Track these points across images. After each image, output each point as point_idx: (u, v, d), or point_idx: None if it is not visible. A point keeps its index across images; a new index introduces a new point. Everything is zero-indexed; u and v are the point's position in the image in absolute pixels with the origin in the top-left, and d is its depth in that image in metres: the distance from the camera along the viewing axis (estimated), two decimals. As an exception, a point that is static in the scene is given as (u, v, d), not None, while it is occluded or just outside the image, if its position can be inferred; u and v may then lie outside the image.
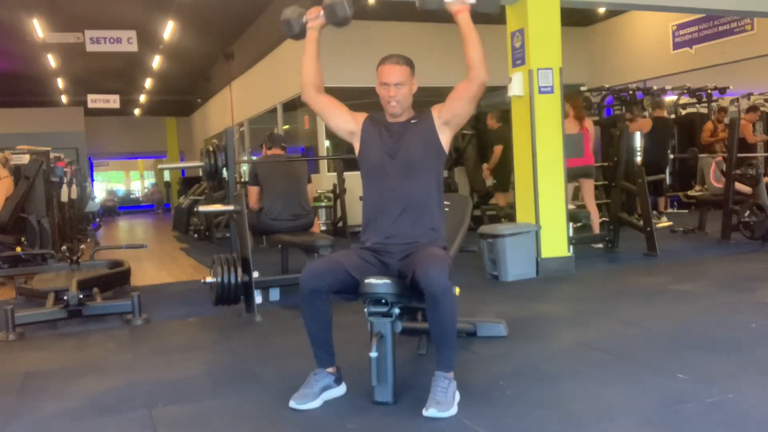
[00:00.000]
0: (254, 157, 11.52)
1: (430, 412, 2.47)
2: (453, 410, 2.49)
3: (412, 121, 2.87)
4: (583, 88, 10.85)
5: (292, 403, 2.64)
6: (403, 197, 2.78)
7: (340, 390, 2.78)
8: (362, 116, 2.95)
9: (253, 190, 5.36)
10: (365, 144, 2.89)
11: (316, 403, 2.66)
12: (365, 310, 2.64)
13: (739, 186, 6.79)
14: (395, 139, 2.84)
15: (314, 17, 2.89)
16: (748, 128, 9.83)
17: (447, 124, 2.84)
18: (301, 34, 2.92)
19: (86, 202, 12.92)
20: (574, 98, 6.77)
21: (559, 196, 5.66)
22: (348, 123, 2.93)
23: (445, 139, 2.86)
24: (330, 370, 2.76)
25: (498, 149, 8.29)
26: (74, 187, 10.16)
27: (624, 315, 4.05)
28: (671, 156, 8.97)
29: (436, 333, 2.57)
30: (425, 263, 2.51)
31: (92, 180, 21.03)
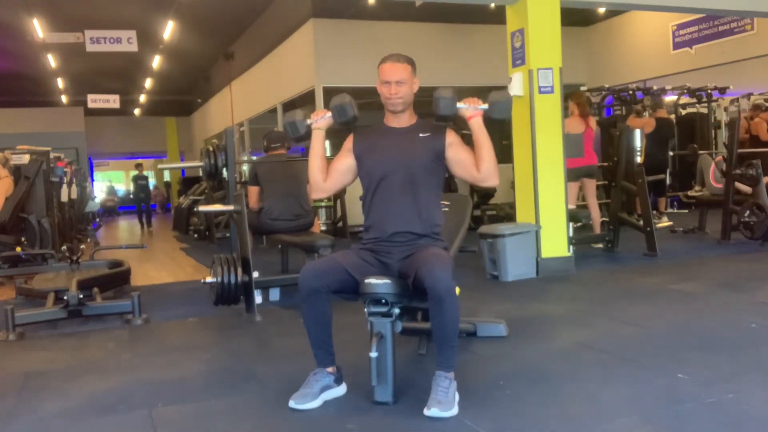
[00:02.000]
0: (254, 157, 11.52)
1: (432, 411, 2.47)
2: (454, 410, 2.49)
3: (422, 134, 2.87)
4: (583, 88, 10.84)
5: (292, 403, 2.64)
6: (406, 204, 2.79)
7: (340, 390, 2.78)
8: (349, 142, 2.95)
9: (253, 190, 5.36)
10: (363, 161, 2.89)
11: (315, 403, 2.66)
12: (365, 310, 2.64)
13: (739, 186, 6.79)
14: (400, 145, 2.84)
15: (320, 118, 2.91)
16: (762, 126, 9.85)
17: (447, 159, 2.88)
18: (306, 136, 2.96)
19: (86, 202, 12.92)
20: (577, 96, 6.78)
21: (559, 196, 5.66)
22: (348, 166, 2.93)
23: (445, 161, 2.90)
24: (330, 369, 2.76)
25: None
26: (74, 187, 10.16)
27: (624, 315, 4.04)
28: (671, 153, 8.96)
29: (438, 333, 2.57)
30: (429, 263, 2.51)
31: (92, 180, 21.03)
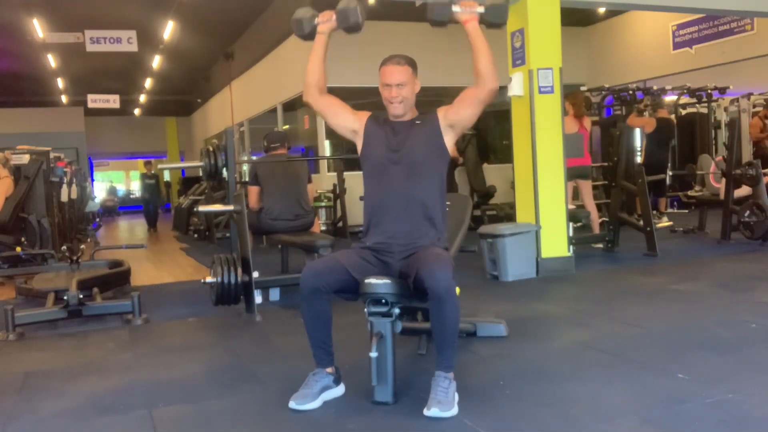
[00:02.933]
0: (254, 157, 11.52)
1: (432, 411, 2.47)
2: (454, 410, 2.49)
3: (417, 122, 2.87)
4: (583, 88, 10.85)
5: (292, 404, 2.64)
6: (405, 197, 2.79)
7: (339, 390, 2.78)
8: (365, 115, 2.95)
9: (253, 190, 5.36)
10: (368, 142, 2.89)
11: (315, 404, 2.66)
12: (365, 310, 2.64)
13: (738, 192, 6.78)
14: (399, 138, 2.84)
15: (326, 20, 2.89)
16: None
17: (452, 126, 2.85)
18: (310, 36, 2.92)
19: (86, 202, 12.92)
20: (573, 96, 6.77)
21: (559, 196, 5.66)
22: (350, 122, 2.94)
23: (449, 141, 2.87)
24: (329, 370, 2.75)
25: None
26: (74, 187, 10.16)
27: (624, 315, 4.05)
28: (669, 173, 8.96)
29: (438, 333, 2.57)
30: (430, 263, 2.51)
31: (92, 180, 21.03)
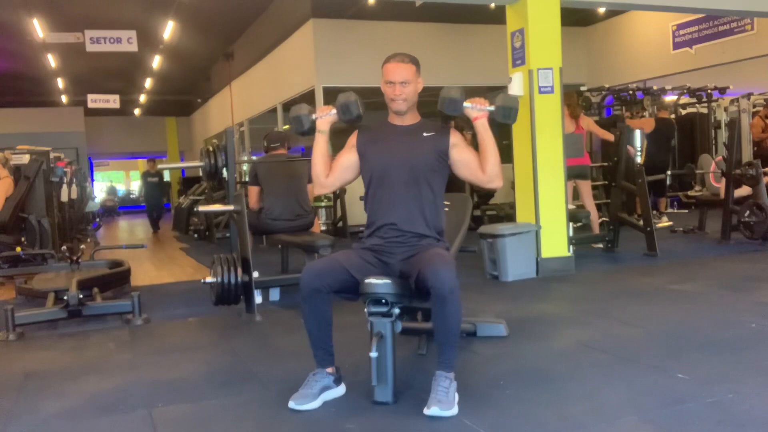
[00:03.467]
0: (254, 157, 11.52)
1: (432, 411, 2.47)
2: (455, 410, 2.49)
3: (425, 133, 2.87)
4: (583, 88, 10.85)
5: (292, 404, 2.64)
6: (408, 202, 2.80)
7: (340, 390, 2.78)
8: (353, 138, 2.96)
9: (253, 190, 5.36)
10: (366, 158, 2.89)
11: (315, 404, 2.66)
12: (365, 310, 2.64)
13: (738, 192, 6.78)
14: (403, 143, 2.85)
15: (325, 114, 2.91)
16: None
17: (450, 160, 2.88)
18: (310, 131, 2.96)
19: (86, 202, 12.92)
20: (568, 96, 6.76)
21: (559, 196, 5.66)
22: (352, 162, 2.93)
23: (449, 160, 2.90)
24: (329, 370, 2.75)
25: None
26: (74, 187, 10.16)
27: (624, 315, 4.05)
28: (669, 172, 8.97)
29: (440, 332, 2.57)
30: (434, 263, 2.51)
31: (92, 180, 21.02)
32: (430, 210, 2.82)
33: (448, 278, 2.47)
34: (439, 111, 2.85)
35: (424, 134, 2.87)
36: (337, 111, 2.90)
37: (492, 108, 2.82)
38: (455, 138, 2.87)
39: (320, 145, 2.92)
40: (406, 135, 2.87)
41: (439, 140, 2.85)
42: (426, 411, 2.48)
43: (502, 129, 8.21)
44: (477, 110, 2.81)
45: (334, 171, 2.93)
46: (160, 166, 10.88)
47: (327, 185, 2.96)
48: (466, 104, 2.82)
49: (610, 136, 7.10)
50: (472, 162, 2.84)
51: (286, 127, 12.14)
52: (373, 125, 2.98)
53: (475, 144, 2.88)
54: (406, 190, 2.80)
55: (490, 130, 2.83)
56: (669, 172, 8.75)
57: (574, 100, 6.83)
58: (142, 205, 14.70)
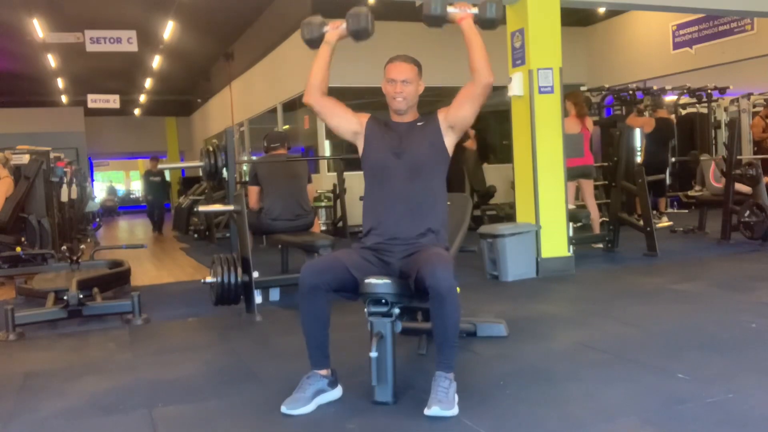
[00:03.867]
0: (254, 157, 11.51)
1: (432, 411, 2.47)
2: (455, 410, 2.49)
3: (418, 123, 2.88)
4: (583, 88, 10.84)
5: (284, 408, 2.60)
6: (407, 198, 2.79)
7: (335, 394, 2.74)
8: (365, 116, 2.96)
9: (253, 190, 5.36)
10: (369, 143, 2.89)
11: (308, 408, 2.61)
12: (365, 310, 2.64)
13: (740, 187, 6.79)
14: (401, 139, 2.85)
15: (336, 27, 2.91)
16: None
17: (452, 127, 2.87)
18: (317, 40, 2.94)
19: (86, 202, 12.90)
20: (575, 96, 6.76)
21: (559, 196, 5.66)
22: (351, 123, 2.93)
23: (450, 142, 2.89)
24: (323, 372, 2.71)
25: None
26: (74, 187, 10.16)
27: (624, 315, 4.04)
28: (672, 159, 8.96)
29: (439, 332, 2.57)
30: (431, 263, 2.51)
31: (92, 180, 21.02)
32: (430, 205, 2.81)
33: (445, 279, 2.46)
34: (423, 18, 2.83)
35: (418, 124, 2.88)
36: (346, 23, 2.88)
37: (476, 10, 2.82)
38: (441, 112, 2.88)
39: (324, 54, 2.91)
40: (404, 130, 2.88)
41: (430, 124, 2.86)
42: (426, 411, 2.48)
43: (502, 129, 8.24)
44: (461, 12, 2.81)
45: (333, 104, 2.92)
46: (160, 166, 10.81)
47: (316, 98, 2.91)
48: (450, 8, 2.81)
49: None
50: (461, 92, 2.83)
51: (286, 127, 12.15)
52: (381, 119, 2.97)
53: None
54: (405, 184, 2.80)
55: (476, 29, 2.81)
56: (674, 160, 8.71)
57: (581, 99, 6.83)
58: (142, 204, 14.47)
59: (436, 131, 2.85)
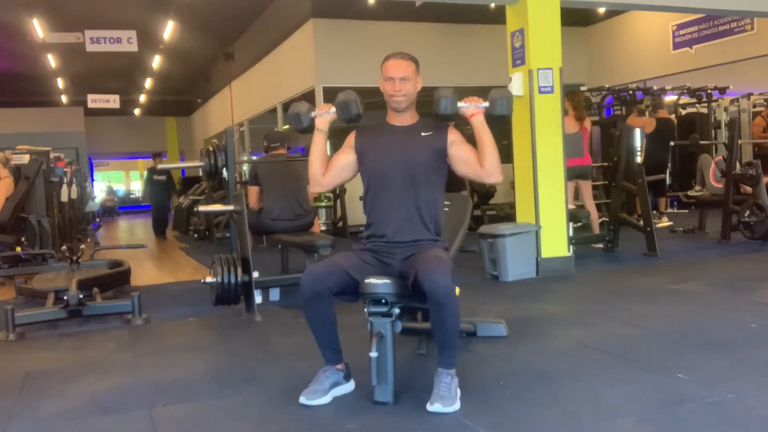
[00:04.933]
0: (254, 157, 11.51)
1: (435, 407, 2.48)
2: (457, 405, 2.51)
3: (423, 133, 2.87)
4: (583, 88, 10.84)
5: (302, 399, 2.66)
6: (407, 203, 2.80)
7: (349, 386, 2.80)
8: (351, 138, 2.95)
9: (253, 190, 5.36)
10: (364, 155, 2.89)
11: (325, 399, 2.68)
12: (365, 310, 2.64)
13: (745, 188, 6.78)
14: (400, 143, 2.85)
15: (324, 113, 2.91)
16: None
17: (449, 157, 2.88)
18: (309, 129, 2.95)
19: (86, 202, 12.89)
20: (574, 96, 6.75)
21: (559, 196, 5.66)
22: (350, 163, 2.93)
23: (448, 161, 2.90)
24: (339, 366, 2.78)
25: None
26: (74, 187, 10.16)
27: (624, 315, 4.04)
28: (671, 143, 8.94)
29: (439, 335, 2.58)
30: (429, 266, 2.51)
31: (92, 180, 21.02)
32: (430, 210, 2.82)
33: (442, 284, 2.46)
34: (435, 113, 2.86)
35: (423, 134, 2.87)
36: (336, 110, 2.89)
37: (486, 104, 2.84)
38: (453, 135, 2.87)
39: (318, 143, 2.92)
40: (404, 135, 2.87)
41: (437, 139, 2.85)
42: (429, 407, 2.50)
43: (502, 129, 8.25)
44: (472, 108, 2.83)
45: (331, 170, 2.92)
46: (160, 166, 10.68)
47: (324, 184, 2.95)
48: (460, 104, 2.83)
49: None
50: (471, 158, 2.83)
51: (286, 127, 12.14)
52: (372, 125, 2.98)
53: (473, 142, 2.88)
54: (405, 190, 2.80)
55: (486, 126, 2.83)
56: (673, 143, 8.68)
57: (580, 100, 6.82)
58: (142, 204, 14.09)
59: (442, 147, 2.85)
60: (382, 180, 2.83)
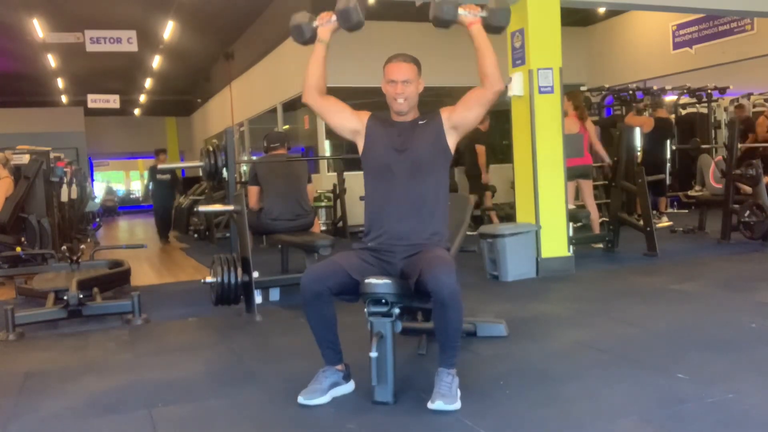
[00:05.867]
0: (254, 157, 11.50)
1: (436, 405, 2.48)
2: (457, 404, 2.51)
3: (420, 122, 2.87)
4: (583, 88, 10.84)
5: (301, 399, 2.66)
6: (409, 197, 2.79)
7: (349, 387, 2.80)
8: (366, 114, 2.95)
9: (253, 190, 5.36)
10: (370, 142, 2.89)
11: (324, 399, 2.68)
12: (365, 310, 2.64)
13: (744, 188, 6.78)
14: (403, 138, 2.84)
15: (326, 21, 2.89)
16: None
17: (455, 128, 2.86)
18: (311, 40, 2.93)
19: (86, 202, 12.89)
20: (575, 96, 6.75)
21: (559, 196, 5.66)
22: (351, 121, 2.93)
23: (452, 141, 2.88)
24: (338, 367, 2.78)
25: (480, 149, 8.39)
26: (74, 187, 10.15)
27: (624, 315, 4.04)
28: (673, 147, 8.95)
29: (441, 334, 2.58)
30: (433, 266, 2.51)
31: (92, 180, 21.02)
32: (432, 204, 2.81)
33: (448, 284, 2.46)
34: (435, 17, 2.83)
35: (419, 123, 2.87)
36: (337, 18, 2.86)
37: (485, 13, 2.81)
38: (445, 111, 2.87)
39: (319, 53, 2.90)
40: (405, 130, 2.87)
41: (432, 122, 2.86)
42: (430, 405, 2.50)
43: (502, 129, 8.24)
44: (471, 16, 2.81)
45: (331, 102, 2.92)
46: (160, 166, 10.50)
47: (314, 98, 2.92)
48: (460, 11, 2.80)
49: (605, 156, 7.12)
50: (469, 94, 2.83)
51: (286, 127, 12.15)
52: (382, 116, 2.96)
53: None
54: (407, 185, 2.79)
55: (485, 34, 2.81)
56: (674, 148, 8.69)
57: (581, 100, 6.81)
58: (142, 204, 13.81)
59: (439, 130, 2.84)
60: (384, 172, 2.83)
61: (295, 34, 2.93)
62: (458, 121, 2.84)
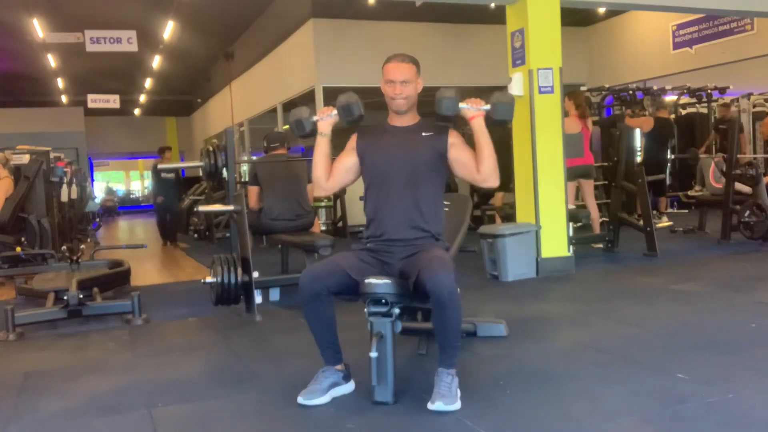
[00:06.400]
0: (254, 157, 11.50)
1: (436, 405, 2.48)
2: (457, 404, 2.51)
3: (424, 133, 2.87)
4: (583, 88, 10.84)
5: (300, 399, 2.66)
6: (407, 202, 2.80)
7: (349, 387, 2.80)
8: (352, 140, 2.96)
9: (253, 190, 5.36)
10: (366, 156, 2.89)
11: (324, 399, 2.67)
12: (365, 310, 2.64)
13: (740, 186, 6.78)
14: (401, 143, 2.85)
15: (326, 116, 2.90)
16: None
17: (449, 159, 2.87)
18: (311, 133, 2.95)
19: (86, 202, 12.88)
20: (576, 96, 6.74)
21: (559, 196, 5.66)
22: (352, 163, 2.92)
23: (448, 163, 2.89)
24: (338, 367, 2.78)
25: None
26: (74, 187, 10.14)
27: (624, 315, 4.04)
28: (671, 156, 8.95)
29: (441, 334, 2.58)
30: (432, 266, 2.51)
31: (92, 180, 21.02)
32: (430, 210, 2.82)
33: (446, 284, 2.46)
34: (436, 112, 2.85)
35: (423, 134, 2.87)
36: (338, 112, 2.89)
37: (488, 107, 2.82)
38: (453, 137, 2.87)
39: (322, 147, 2.91)
40: (405, 135, 2.87)
41: (437, 140, 2.85)
42: (430, 406, 2.50)
43: (502, 129, 8.22)
44: (473, 110, 2.81)
45: (335, 174, 2.92)
46: (160, 166, 10.38)
47: (327, 188, 2.96)
48: (462, 105, 2.82)
49: None
50: (469, 162, 2.83)
51: (286, 127, 12.14)
52: (373, 126, 2.98)
53: (472, 144, 2.87)
54: (405, 190, 2.80)
55: (486, 129, 2.82)
56: (673, 157, 8.68)
57: (582, 100, 6.81)
58: (142, 204, 13.70)
59: (443, 146, 2.85)
60: (383, 179, 2.84)
61: (295, 128, 2.96)
62: (451, 161, 2.86)
